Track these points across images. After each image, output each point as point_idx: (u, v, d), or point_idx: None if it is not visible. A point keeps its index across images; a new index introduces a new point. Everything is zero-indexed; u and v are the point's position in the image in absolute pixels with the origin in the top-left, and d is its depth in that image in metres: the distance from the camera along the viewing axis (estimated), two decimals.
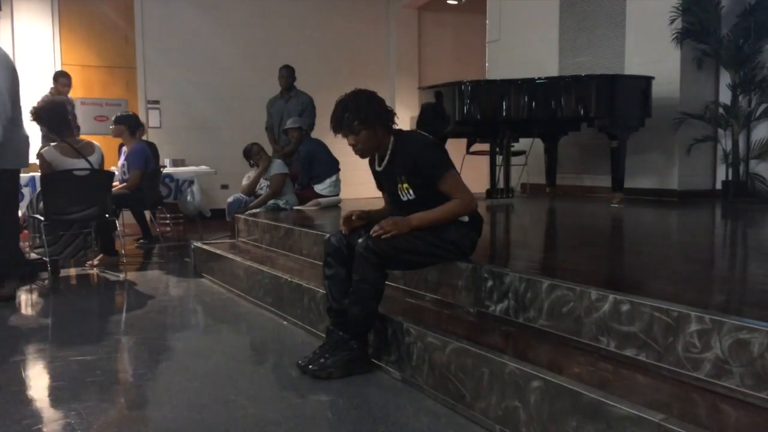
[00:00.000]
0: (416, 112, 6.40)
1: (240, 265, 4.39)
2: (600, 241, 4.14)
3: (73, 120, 7.03)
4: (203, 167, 7.48)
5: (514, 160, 6.44)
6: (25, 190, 6.04)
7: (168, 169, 7.02)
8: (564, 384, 1.89)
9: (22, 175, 6.12)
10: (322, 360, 2.68)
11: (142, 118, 8.03)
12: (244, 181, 6.38)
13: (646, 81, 5.69)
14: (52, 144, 4.99)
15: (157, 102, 8.79)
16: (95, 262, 5.40)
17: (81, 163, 4.87)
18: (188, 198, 6.94)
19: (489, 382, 2.14)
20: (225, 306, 4.16)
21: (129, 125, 5.84)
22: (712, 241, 4.21)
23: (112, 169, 5.85)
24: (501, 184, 6.21)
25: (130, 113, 6.32)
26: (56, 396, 2.65)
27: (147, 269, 5.72)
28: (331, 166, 6.35)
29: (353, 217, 2.78)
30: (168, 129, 8.79)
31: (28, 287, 4.69)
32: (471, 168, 6.51)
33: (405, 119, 8.56)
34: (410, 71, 10.14)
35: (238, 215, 5.67)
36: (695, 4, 5.89)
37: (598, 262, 3.21)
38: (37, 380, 2.90)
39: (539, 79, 5.77)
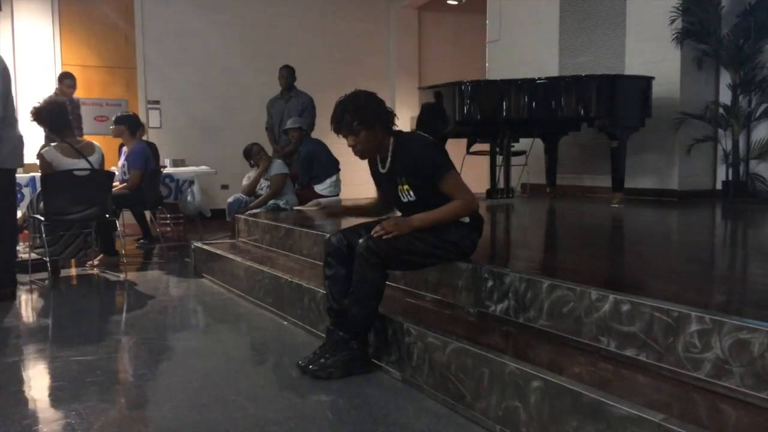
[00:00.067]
0: (416, 112, 6.40)
1: (240, 265, 4.39)
2: (600, 241, 4.14)
3: (77, 121, 7.08)
4: (203, 167, 7.48)
5: (514, 160, 6.44)
6: (26, 191, 6.05)
7: (168, 170, 7.02)
8: (564, 384, 1.89)
9: (22, 175, 6.16)
10: (322, 360, 2.68)
11: (143, 118, 8.04)
12: (245, 182, 6.39)
13: (647, 81, 5.69)
14: (53, 144, 4.99)
15: (157, 102, 8.79)
16: (95, 262, 5.40)
17: (81, 164, 4.87)
18: (188, 198, 6.94)
19: (489, 382, 2.14)
20: (225, 306, 4.16)
21: (129, 125, 5.84)
22: (712, 241, 4.21)
23: (113, 169, 5.85)
24: (501, 184, 6.21)
25: (131, 113, 6.32)
26: (56, 396, 2.65)
27: (147, 269, 5.72)
28: (331, 167, 6.35)
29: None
30: (168, 129, 8.79)
31: (28, 287, 4.69)
32: (471, 168, 6.51)
33: (405, 119, 8.56)
34: (410, 71, 10.14)
35: (239, 215, 5.67)
36: (695, 4, 5.89)
37: (598, 262, 3.21)
38: (38, 380, 2.90)
39: (539, 79, 5.77)
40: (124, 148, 5.99)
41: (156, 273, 5.55)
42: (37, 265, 4.88)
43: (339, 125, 2.70)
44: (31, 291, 4.65)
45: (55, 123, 4.93)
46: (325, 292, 2.83)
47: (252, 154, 6.25)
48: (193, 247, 5.35)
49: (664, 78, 5.95)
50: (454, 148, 5.81)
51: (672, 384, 1.93)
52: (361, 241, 2.60)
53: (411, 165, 2.69)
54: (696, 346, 1.90)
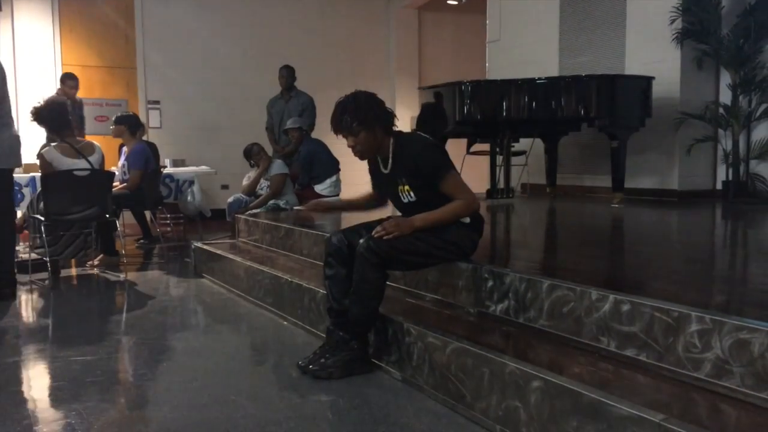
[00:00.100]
0: (416, 112, 6.40)
1: (240, 266, 4.39)
2: (600, 241, 4.14)
3: (80, 121, 7.09)
4: (203, 167, 7.48)
5: (514, 160, 6.44)
6: (26, 191, 6.05)
7: (168, 170, 7.02)
8: (564, 384, 1.89)
9: (22, 175, 6.16)
10: (322, 360, 2.68)
11: (143, 118, 8.04)
12: (245, 182, 6.39)
13: (647, 81, 5.69)
14: (53, 144, 4.99)
15: (157, 102, 8.80)
16: (96, 262, 5.40)
17: (81, 164, 4.87)
18: (188, 198, 6.94)
19: (489, 382, 2.14)
20: (225, 306, 4.16)
21: (129, 125, 5.84)
22: (712, 241, 4.21)
23: (113, 169, 5.85)
24: (501, 185, 6.21)
25: (131, 113, 6.32)
26: (57, 396, 2.65)
27: (147, 269, 5.72)
28: (331, 167, 6.36)
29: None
30: (168, 129, 8.80)
31: (28, 287, 4.69)
32: (471, 168, 6.51)
33: (405, 119, 8.57)
34: (410, 71, 10.14)
35: (239, 215, 5.67)
36: (695, 4, 5.89)
37: (598, 262, 3.21)
38: (38, 380, 2.90)
39: (539, 79, 5.77)
40: (124, 148, 6.00)
41: (156, 273, 5.55)
42: (37, 265, 4.88)
43: (338, 126, 2.70)
44: (31, 291, 4.65)
45: (56, 123, 4.93)
46: (325, 292, 2.83)
47: (252, 154, 6.25)
48: (193, 247, 5.35)
49: (664, 78, 5.95)
50: (454, 148, 5.81)
51: (672, 384, 1.93)
52: (361, 241, 2.60)
53: (411, 165, 2.69)
54: (696, 346, 1.91)
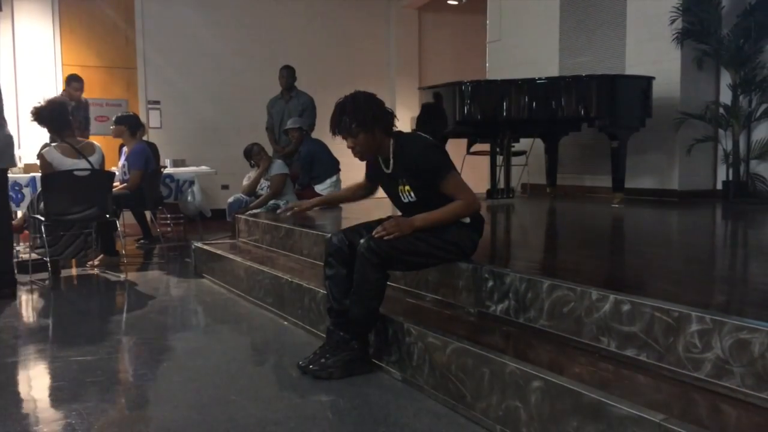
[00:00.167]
0: (416, 113, 6.40)
1: (240, 266, 4.39)
2: (600, 241, 4.14)
3: (86, 122, 7.11)
4: (204, 167, 7.48)
5: (514, 160, 6.44)
6: (26, 191, 6.05)
7: (168, 170, 7.02)
8: (565, 384, 1.89)
9: (22, 175, 6.17)
10: (322, 360, 2.68)
11: (143, 118, 8.04)
12: (245, 182, 6.39)
13: (647, 81, 5.69)
14: (53, 144, 4.99)
15: (157, 102, 8.80)
16: (96, 262, 5.40)
17: (82, 164, 4.88)
18: (189, 198, 6.94)
19: (489, 383, 2.14)
20: (225, 306, 4.16)
21: (129, 125, 5.84)
22: (712, 242, 4.21)
23: (113, 169, 5.85)
24: (501, 185, 6.21)
25: (131, 114, 6.32)
26: (57, 396, 2.65)
27: (147, 269, 5.72)
28: (331, 167, 6.35)
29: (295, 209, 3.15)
30: (168, 129, 8.80)
31: (29, 287, 4.70)
32: (471, 168, 6.51)
33: (405, 119, 8.56)
34: (410, 71, 10.14)
35: (239, 215, 5.67)
36: (695, 4, 5.89)
37: (598, 263, 3.21)
38: (38, 380, 2.90)
39: (539, 79, 5.77)
40: (125, 149, 6.00)
41: (156, 273, 5.55)
42: (37, 265, 4.88)
43: (337, 127, 2.70)
44: (31, 291, 4.65)
45: (56, 123, 4.93)
46: (325, 292, 2.83)
47: (252, 154, 6.25)
48: (193, 247, 5.35)
49: (665, 78, 5.95)
50: (455, 148, 5.81)
51: (672, 384, 1.93)
52: (362, 241, 2.60)
53: (412, 166, 2.69)
54: (696, 346, 1.90)
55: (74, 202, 4.76)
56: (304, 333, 3.39)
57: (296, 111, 6.84)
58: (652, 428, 1.63)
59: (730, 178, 5.97)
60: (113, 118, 6.02)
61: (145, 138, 6.77)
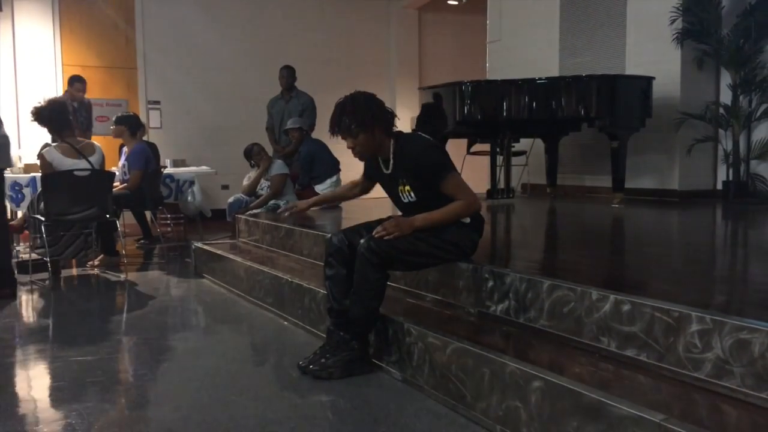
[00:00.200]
0: (417, 113, 6.40)
1: (241, 266, 4.39)
2: (601, 241, 4.14)
3: (88, 122, 7.11)
4: (204, 167, 7.49)
5: (514, 160, 6.44)
6: (26, 191, 6.06)
7: (168, 170, 7.02)
8: (565, 384, 1.89)
9: (23, 175, 6.18)
10: (322, 360, 2.68)
11: (143, 118, 8.04)
12: (245, 182, 6.39)
13: (647, 81, 5.69)
14: (53, 144, 4.99)
15: (157, 102, 8.79)
16: (96, 262, 5.40)
17: (82, 164, 4.88)
18: (189, 198, 6.94)
19: (490, 383, 2.14)
20: (226, 306, 4.16)
21: (129, 126, 5.83)
22: (712, 242, 4.21)
23: (113, 169, 5.85)
24: (502, 185, 6.21)
25: (131, 114, 6.32)
26: (57, 396, 2.65)
27: (147, 269, 5.73)
28: (331, 167, 6.35)
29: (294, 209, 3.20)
30: (168, 129, 8.79)
31: (29, 287, 4.70)
32: (472, 168, 6.51)
33: (405, 119, 8.56)
34: (411, 71, 10.14)
35: (239, 215, 5.67)
36: (695, 4, 5.89)
37: (598, 263, 3.21)
38: (38, 380, 2.90)
39: (540, 79, 5.77)
40: (125, 149, 5.99)
41: (156, 273, 5.55)
42: (37, 266, 4.88)
43: (337, 128, 2.71)
44: (31, 291, 4.65)
45: (56, 123, 4.93)
46: (325, 292, 2.83)
47: (252, 154, 6.25)
48: (193, 247, 5.35)
49: (665, 78, 5.94)
50: (455, 148, 5.81)
51: (672, 384, 1.93)
52: (362, 241, 2.61)
53: (412, 166, 2.69)
54: (696, 346, 1.91)
55: (74, 202, 4.76)
56: (304, 333, 3.39)
57: (296, 111, 6.84)
58: (653, 428, 1.63)
59: (731, 178, 5.97)
60: (113, 118, 6.02)
61: (145, 138, 6.77)
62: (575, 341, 2.28)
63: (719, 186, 6.22)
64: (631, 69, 6.26)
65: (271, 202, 6.00)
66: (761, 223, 4.90)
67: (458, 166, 2.91)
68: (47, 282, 4.84)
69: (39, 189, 5.09)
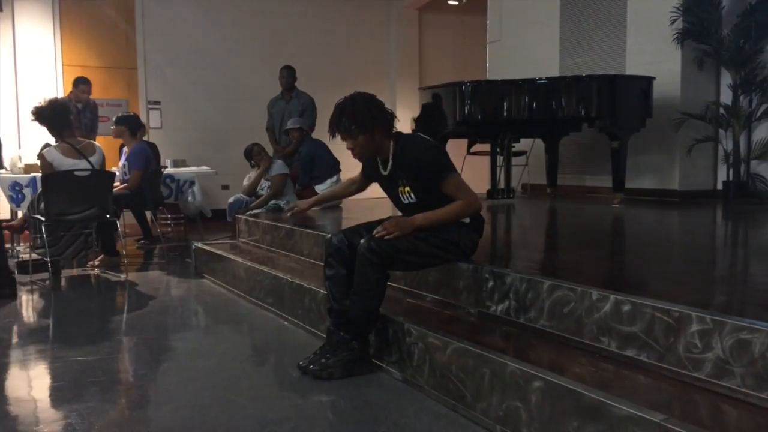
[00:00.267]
0: (417, 113, 6.41)
1: (241, 266, 4.39)
2: (601, 241, 4.14)
3: (93, 123, 7.10)
4: (204, 168, 7.49)
5: (514, 160, 6.44)
6: (26, 191, 6.06)
7: (169, 170, 7.02)
8: (565, 384, 1.89)
9: (23, 175, 6.18)
10: (323, 360, 2.68)
11: (143, 118, 8.03)
12: (245, 182, 6.38)
13: (647, 81, 5.69)
14: (53, 144, 4.99)
15: (157, 102, 8.79)
16: (96, 262, 5.40)
17: (82, 164, 4.87)
18: (189, 198, 6.94)
19: (490, 383, 2.14)
20: (226, 306, 4.16)
21: (130, 126, 5.83)
22: (713, 242, 4.20)
23: (113, 169, 5.85)
24: (502, 185, 6.21)
25: (131, 114, 6.32)
26: (57, 396, 2.65)
27: (148, 270, 5.73)
28: (331, 167, 6.35)
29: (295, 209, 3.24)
30: (169, 129, 8.79)
31: (29, 288, 4.70)
32: (472, 168, 6.51)
33: (405, 120, 8.55)
34: (411, 72, 10.14)
35: (239, 216, 5.67)
36: (696, 4, 5.89)
37: (599, 263, 3.21)
38: (38, 380, 2.90)
39: (540, 79, 5.77)
40: (125, 149, 6.00)
41: (157, 273, 5.55)
42: (37, 266, 4.88)
43: (337, 129, 2.71)
44: (31, 291, 4.65)
45: (56, 122, 4.92)
46: (325, 292, 2.83)
47: (253, 154, 6.25)
48: (193, 247, 5.35)
49: (665, 78, 5.94)
50: (455, 148, 5.81)
51: (673, 384, 1.93)
52: (362, 241, 2.61)
53: (412, 167, 2.69)
54: (697, 347, 1.90)
55: (75, 202, 4.76)
56: (304, 333, 3.39)
57: (296, 111, 6.83)
58: (653, 428, 1.63)
59: (731, 178, 5.96)
60: (113, 119, 6.03)
61: (145, 138, 6.77)
62: (575, 341, 2.28)
63: (719, 186, 6.22)
64: (632, 69, 6.26)
65: (272, 202, 6.00)
66: (761, 223, 4.89)
67: (458, 166, 2.91)
68: (47, 282, 4.84)
69: (39, 189, 5.08)
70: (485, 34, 8.48)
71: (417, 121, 6.28)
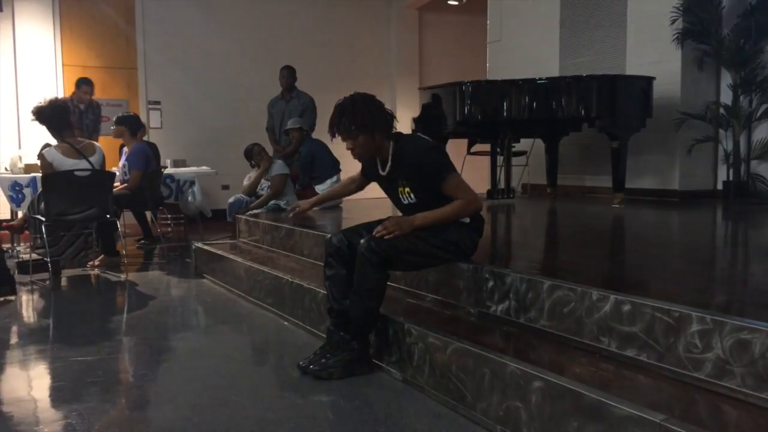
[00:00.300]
0: (417, 113, 6.41)
1: (241, 266, 4.39)
2: (601, 241, 4.14)
3: (96, 123, 7.10)
4: (204, 168, 7.49)
5: (515, 160, 6.44)
6: (27, 191, 6.06)
7: (169, 170, 7.02)
8: (565, 384, 1.89)
9: (24, 175, 6.18)
10: (323, 360, 2.68)
11: (143, 118, 8.04)
12: (245, 182, 6.38)
13: (647, 81, 5.68)
14: (53, 144, 4.99)
15: (158, 102, 8.80)
16: (96, 262, 5.40)
17: (82, 164, 4.87)
18: (189, 198, 6.94)
19: (490, 383, 2.14)
20: (226, 307, 4.16)
21: (130, 126, 5.83)
22: (713, 242, 4.20)
23: (113, 169, 5.85)
24: (502, 185, 6.21)
25: (131, 114, 6.32)
26: (57, 396, 2.65)
27: (148, 270, 5.72)
28: (332, 167, 6.35)
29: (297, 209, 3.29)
30: (169, 129, 8.79)
31: (29, 288, 4.70)
32: (472, 168, 6.51)
33: (406, 120, 8.56)
34: (411, 72, 10.14)
35: (239, 216, 5.67)
36: (696, 4, 5.89)
37: (599, 263, 3.21)
38: (38, 380, 2.90)
39: (540, 79, 5.77)
40: (125, 149, 6.00)
41: (157, 273, 5.55)
42: (38, 266, 4.88)
43: (337, 129, 2.71)
44: (32, 291, 4.65)
45: (56, 122, 4.92)
46: (325, 292, 2.83)
47: (253, 154, 6.25)
48: (193, 247, 5.35)
49: (665, 78, 5.94)
50: (455, 148, 5.81)
51: (673, 384, 1.93)
52: (362, 241, 2.61)
53: (413, 168, 2.69)
54: (697, 347, 1.90)
55: (75, 202, 4.76)
56: (304, 333, 3.39)
57: (297, 111, 6.84)
58: (653, 428, 1.63)
59: (731, 178, 5.96)
60: (114, 119, 6.03)
61: (145, 138, 6.77)
62: (575, 341, 2.28)
63: (719, 186, 6.22)
64: (632, 69, 6.26)
65: (272, 202, 6.00)
66: (761, 223, 4.89)
67: (458, 167, 2.91)
68: (47, 282, 4.84)
69: (39, 189, 5.08)
70: (485, 34, 8.48)
71: (417, 121, 6.28)
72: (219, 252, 4.89)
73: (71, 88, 7.23)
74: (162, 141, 7.83)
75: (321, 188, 6.26)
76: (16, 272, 5.10)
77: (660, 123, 5.91)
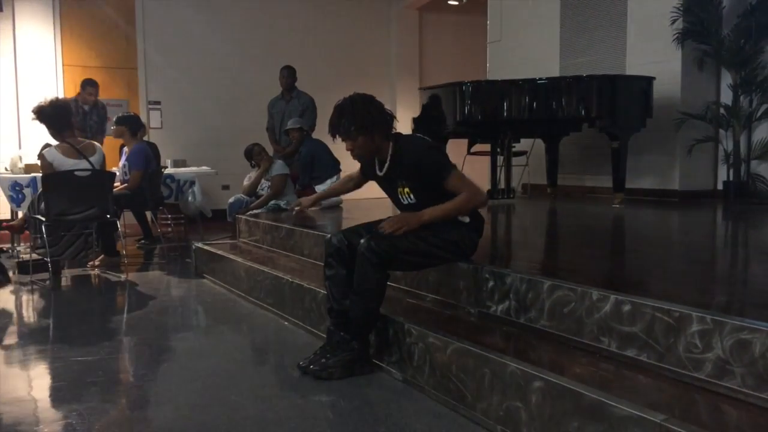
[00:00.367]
0: (417, 113, 6.40)
1: (241, 266, 4.39)
2: (601, 241, 4.14)
3: (101, 124, 7.10)
4: (204, 168, 7.49)
5: (515, 160, 6.44)
6: (27, 191, 6.06)
7: (169, 170, 7.02)
8: (565, 384, 1.89)
9: (24, 175, 6.18)
10: (323, 360, 2.68)
11: (143, 118, 8.04)
12: (245, 182, 6.39)
13: (648, 81, 5.68)
14: (54, 144, 4.99)
15: (158, 102, 8.80)
16: (96, 262, 5.40)
17: (82, 164, 4.87)
18: (189, 198, 6.94)
19: (490, 383, 2.14)
20: (226, 307, 4.16)
21: (130, 126, 5.83)
22: (713, 242, 4.20)
23: (114, 169, 5.85)
24: (502, 185, 6.21)
25: (132, 114, 6.32)
26: (57, 396, 2.65)
27: (148, 270, 5.73)
28: (332, 167, 6.35)
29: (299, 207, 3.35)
30: (169, 129, 8.80)
31: (29, 288, 4.70)
32: (472, 169, 6.48)
33: (406, 120, 8.56)
34: (411, 72, 10.14)
35: (239, 216, 5.67)
36: (696, 4, 5.89)
37: (599, 263, 3.21)
38: (38, 380, 2.90)
39: (540, 79, 5.77)
40: (125, 149, 6.00)
41: (157, 273, 5.55)
42: (38, 266, 4.88)
43: (336, 130, 2.71)
44: (32, 291, 4.65)
45: (57, 122, 4.92)
46: (325, 292, 2.83)
47: (253, 154, 6.25)
48: (194, 247, 5.35)
49: (665, 78, 5.94)
50: (455, 148, 5.80)
51: (673, 384, 1.93)
52: (362, 241, 2.60)
53: (413, 168, 2.69)
54: (697, 347, 1.90)
55: (75, 202, 4.76)
56: (304, 333, 3.39)
57: (297, 111, 6.84)
58: (653, 428, 1.63)
59: (731, 178, 5.96)
60: (114, 119, 6.03)
61: (145, 138, 6.77)
62: (576, 341, 2.28)
63: (720, 186, 6.22)
64: (632, 69, 6.26)
65: (272, 202, 6.00)
66: (761, 223, 4.89)
67: (459, 167, 2.91)
68: (47, 282, 4.84)
69: (39, 189, 5.08)
70: (485, 34, 8.48)
71: (417, 121, 6.28)
72: (219, 252, 4.89)
73: (71, 88, 7.24)
74: (162, 141, 7.82)
75: (321, 188, 6.25)
76: (17, 272, 5.11)
77: (660, 123, 5.91)
